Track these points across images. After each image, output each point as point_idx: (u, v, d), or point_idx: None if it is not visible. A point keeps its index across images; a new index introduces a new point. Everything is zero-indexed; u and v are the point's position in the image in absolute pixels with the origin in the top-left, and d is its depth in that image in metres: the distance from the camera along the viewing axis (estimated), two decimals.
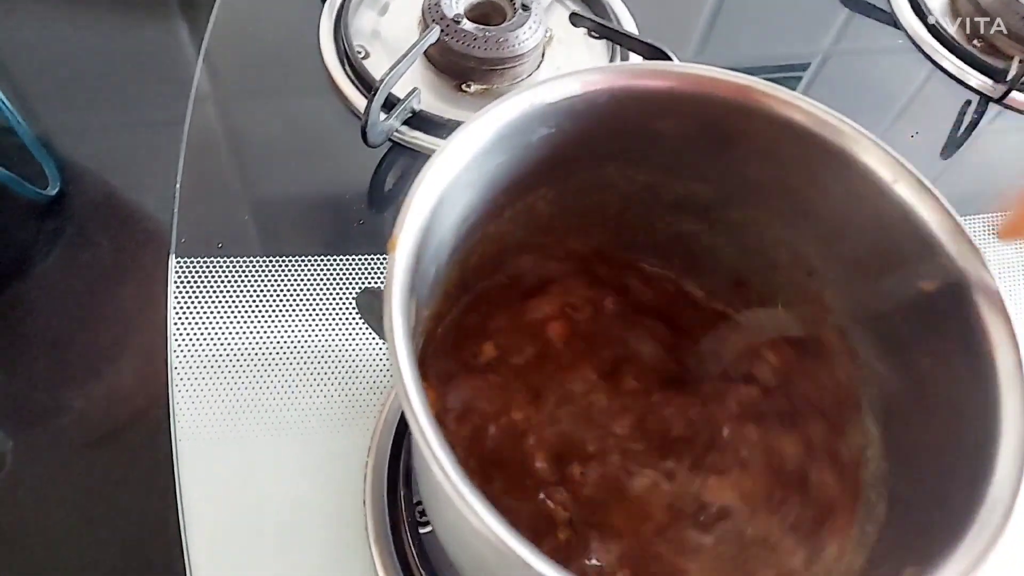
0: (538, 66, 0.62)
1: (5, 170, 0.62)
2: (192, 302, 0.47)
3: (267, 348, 0.47)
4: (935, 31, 0.69)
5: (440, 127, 0.55)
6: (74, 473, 0.57)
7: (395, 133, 0.55)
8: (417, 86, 0.56)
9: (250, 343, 0.47)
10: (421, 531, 0.40)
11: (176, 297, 0.48)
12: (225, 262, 0.49)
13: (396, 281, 0.25)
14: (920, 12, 0.71)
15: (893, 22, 0.72)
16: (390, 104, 0.55)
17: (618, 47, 0.61)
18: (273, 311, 0.47)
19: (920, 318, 0.30)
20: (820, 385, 0.35)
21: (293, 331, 0.47)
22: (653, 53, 0.55)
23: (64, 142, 0.71)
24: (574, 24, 0.59)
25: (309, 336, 0.47)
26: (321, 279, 0.49)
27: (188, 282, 0.48)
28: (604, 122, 0.32)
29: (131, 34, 0.80)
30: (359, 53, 0.59)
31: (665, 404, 0.39)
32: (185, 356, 0.46)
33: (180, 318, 0.47)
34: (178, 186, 0.52)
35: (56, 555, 0.49)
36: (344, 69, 0.59)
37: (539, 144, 0.32)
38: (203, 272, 0.49)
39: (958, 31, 0.71)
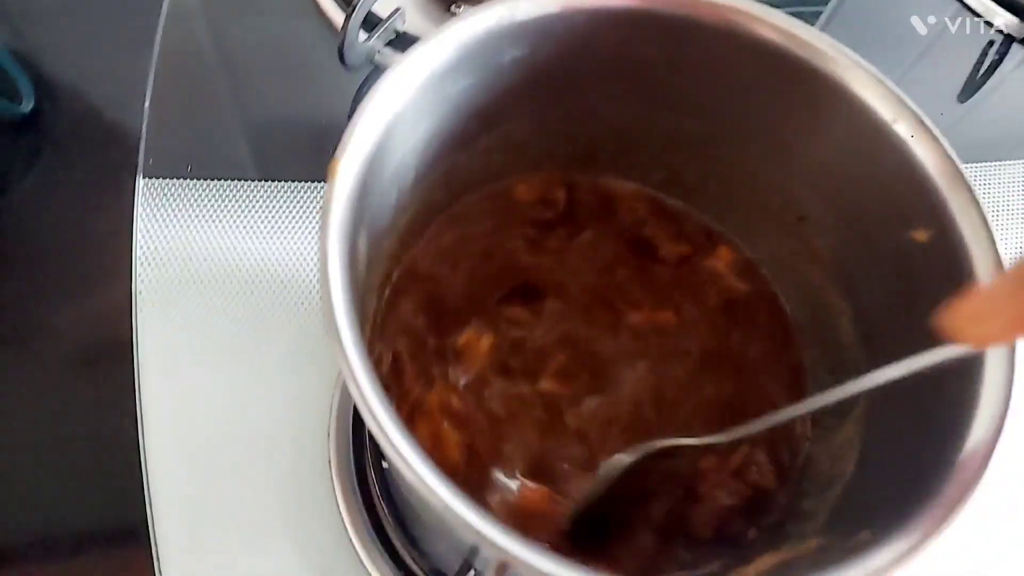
0: None
1: None
2: (159, 224, 0.46)
3: (236, 275, 0.45)
4: None
5: None
6: (47, 392, 0.57)
7: (377, 55, 0.52)
8: (401, 6, 0.53)
9: (218, 269, 0.45)
10: (384, 465, 0.39)
11: (143, 219, 0.46)
12: (194, 184, 0.47)
13: (335, 209, 0.23)
14: None
15: None
16: (373, 24, 0.51)
17: None
18: (243, 237, 0.46)
19: (910, 270, 0.28)
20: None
21: (263, 258, 0.45)
22: None
23: (41, 57, 0.68)
24: None
25: (279, 264, 0.45)
26: (293, 206, 0.47)
27: (156, 203, 0.46)
28: (584, 46, 0.30)
29: None
30: None
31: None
32: (151, 279, 0.44)
33: (147, 240, 0.45)
34: (147, 104, 0.49)
35: (22, 471, 0.49)
36: None
37: (512, 67, 0.30)
38: (171, 194, 0.47)
39: None
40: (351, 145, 0.24)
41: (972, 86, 0.63)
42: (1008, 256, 0.40)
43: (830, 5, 0.67)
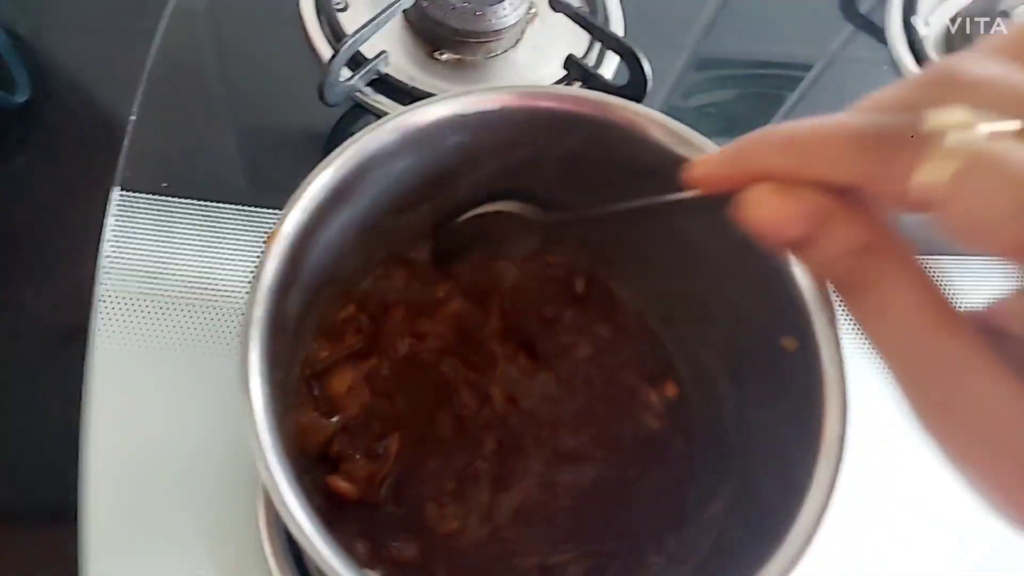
0: (516, 43, 0.61)
1: None
2: (130, 238, 0.48)
3: (195, 293, 0.48)
4: (920, 58, 0.69)
5: (404, 94, 0.56)
6: (13, 369, 0.59)
7: (357, 94, 0.55)
8: (387, 49, 0.56)
9: (179, 285, 0.48)
10: None
11: (114, 231, 0.49)
12: (167, 201, 0.50)
13: (267, 272, 0.26)
14: (912, 43, 0.70)
15: (886, 45, 0.71)
16: (358, 62, 0.55)
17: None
18: (206, 257, 0.48)
19: (780, 370, 0.31)
20: None
21: (223, 280, 0.48)
22: (622, 50, 0.55)
23: (40, 47, 0.71)
24: (553, 8, 0.59)
25: (237, 287, 0.48)
26: (259, 231, 0.50)
27: (129, 216, 0.49)
28: (520, 137, 0.33)
29: None
30: (338, 4, 0.59)
31: None
32: (112, 287, 0.47)
33: (114, 250, 0.48)
34: (132, 118, 0.52)
35: None
36: (319, 18, 0.59)
37: (454, 149, 0.33)
38: (144, 208, 0.49)
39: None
40: (286, 224, 0.27)
41: None
42: None
43: (808, 77, 0.72)
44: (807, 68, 0.72)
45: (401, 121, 0.30)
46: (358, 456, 0.36)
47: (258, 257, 0.46)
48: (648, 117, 0.31)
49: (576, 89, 0.32)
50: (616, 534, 0.35)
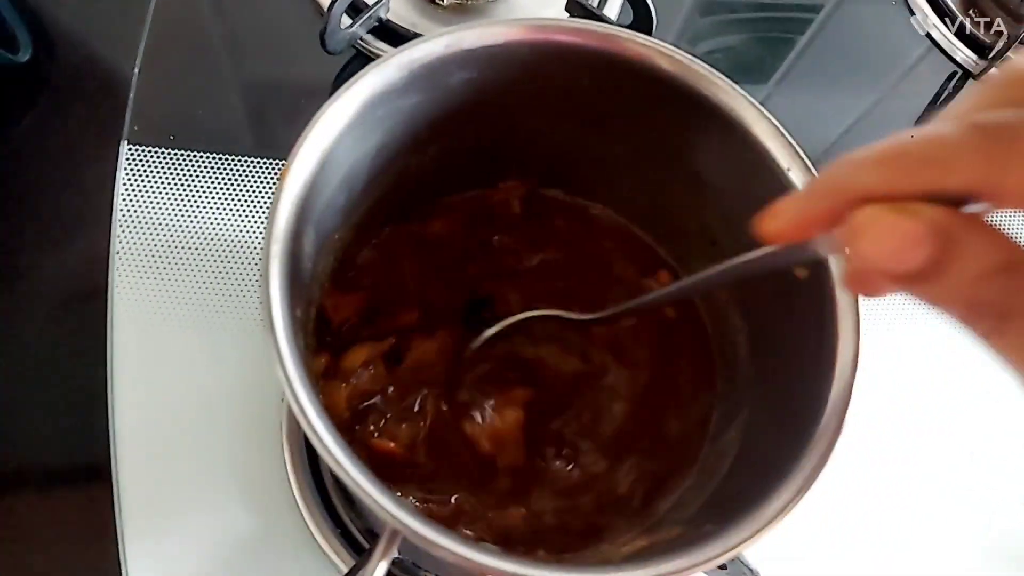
0: None
1: None
2: (141, 191, 0.49)
3: (209, 244, 0.48)
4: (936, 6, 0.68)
5: (405, 39, 0.55)
6: (24, 336, 0.59)
7: (359, 41, 0.55)
8: None
9: (193, 237, 0.48)
10: None
11: (125, 184, 0.49)
12: (176, 154, 0.50)
13: (283, 205, 0.26)
14: None
15: None
16: (358, 9, 0.54)
17: None
18: (217, 208, 0.49)
19: (790, 298, 0.31)
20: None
21: (235, 230, 0.49)
22: None
23: (41, 7, 0.70)
24: None
25: (250, 237, 0.48)
26: (267, 182, 0.50)
27: (139, 170, 0.49)
28: (525, 72, 0.33)
29: None
30: None
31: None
32: (129, 244, 0.48)
33: (126, 204, 0.48)
34: (136, 71, 0.52)
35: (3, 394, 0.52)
36: None
37: (460, 87, 0.33)
38: (153, 161, 0.50)
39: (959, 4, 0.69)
40: (300, 155, 0.27)
41: (928, 116, 0.66)
42: None
43: (820, 15, 0.71)
44: (816, 9, 0.71)
45: (406, 56, 0.30)
46: (389, 416, 0.36)
47: (271, 195, 0.46)
48: (656, 48, 0.31)
49: (582, 21, 0.32)
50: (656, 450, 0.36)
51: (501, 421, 0.36)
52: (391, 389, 0.36)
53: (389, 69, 0.29)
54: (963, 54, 0.66)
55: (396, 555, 0.24)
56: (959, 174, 0.18)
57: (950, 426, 0.51)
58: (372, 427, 0.35)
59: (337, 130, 0.28)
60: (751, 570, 0.39)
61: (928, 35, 0.67)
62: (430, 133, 0.35)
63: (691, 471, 0.35)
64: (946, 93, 0.66)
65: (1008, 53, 0.63)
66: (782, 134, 0.30)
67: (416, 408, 0.36)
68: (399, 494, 0.34)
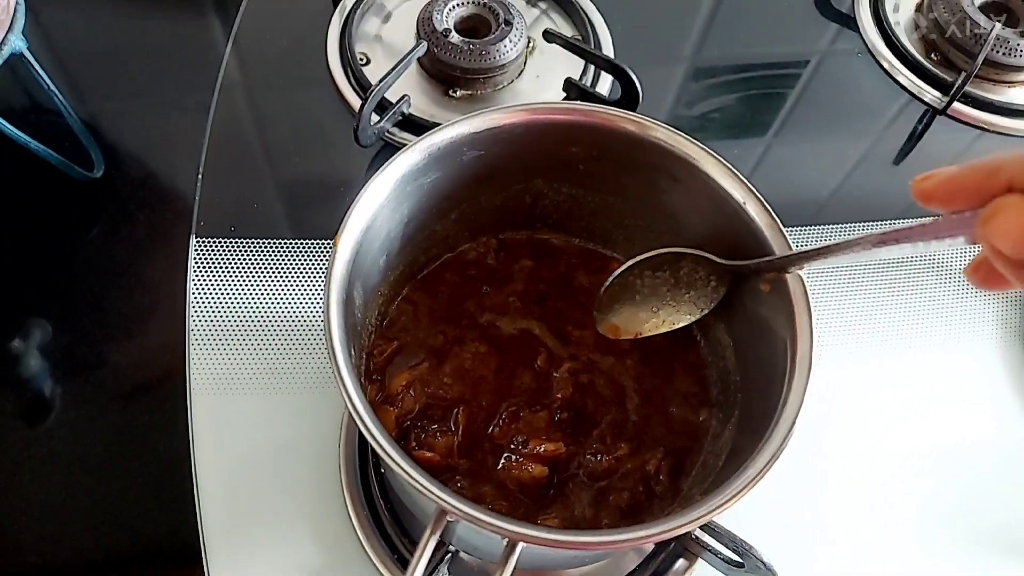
0: (520, 74, 0.69)
1: (57, 155, 0.70)
2: (208, 277, 0.57)
3: (267, 316, 0.56)
4: (893, 46, 0.75)
5: (426, 130, 0.63)
6: (110, 417, 0.66)
7: (387, 134, 0.63)
8: (407, 92, 0.64)
9: (254, 312, 0.56)
10: (382, 469, 0.49)
11: (195, 272, 0.57)
12: (237, 243, 0.58)
13: (337, 266, 0.33)
14: (883, 28, 0.76)
15: (859, 33, 0.77)
16: (384, 107, 0.63)
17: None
18: (273, 285, 0.57)
19: (759, 310, 0.37)
20: None
21: (293, 303, 0.56)
22: (613, 69, 0.62)
23: (108, 127, 0.80)
24: (547, 40, 0.67)
25: (306, 308, 0.56)
26: (317, 260, 0.57)
27: (205, 260, 0.57)
28: (525, 146, 0.40)
29: (167, 27, 0.87)
30: (360, 60, 0.68)
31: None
32: (200, 323, 0.55)
33: (197, 290, 0.56)
34: (200, 175, 0.61)
35: (89, 484, 0.58)
36: (346, 74, 0.67)
37: (471, 163, 0.40)
38: (218, 251, 0.58)
39: (917, 45, 0.76)
40: (348, 225, 0.34)
41: (903, 152, 0.72)
42: None
43: (805, 73, 0.78)
44: (803, 64, 0.78)
45: (426, 142, 0.37)
46: (432, 430, 0.42)
47: (320, 268, 0.53)
48: (630, 118, 0.38)
49: (567, 103, 0.39)
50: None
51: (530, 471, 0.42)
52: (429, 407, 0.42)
53: (414, 153, 0.37)
54: (930, 95, 0.73)
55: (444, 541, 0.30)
56: None
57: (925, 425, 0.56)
58: (414, 442, 0.41)
59: (376, 204, 0.36)
60: (765, 564, 0.43)
61: (897, 80, 0.74)
62: (450, 202, 0.42)
63: (696, 465, 0.40)
64: (919, 130, 0.73)
65: (966, 87, 0.69)
66: (735, 175, 0.37)
67: (451, 421, 0.42)
68: None
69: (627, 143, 0.38)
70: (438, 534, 0.29)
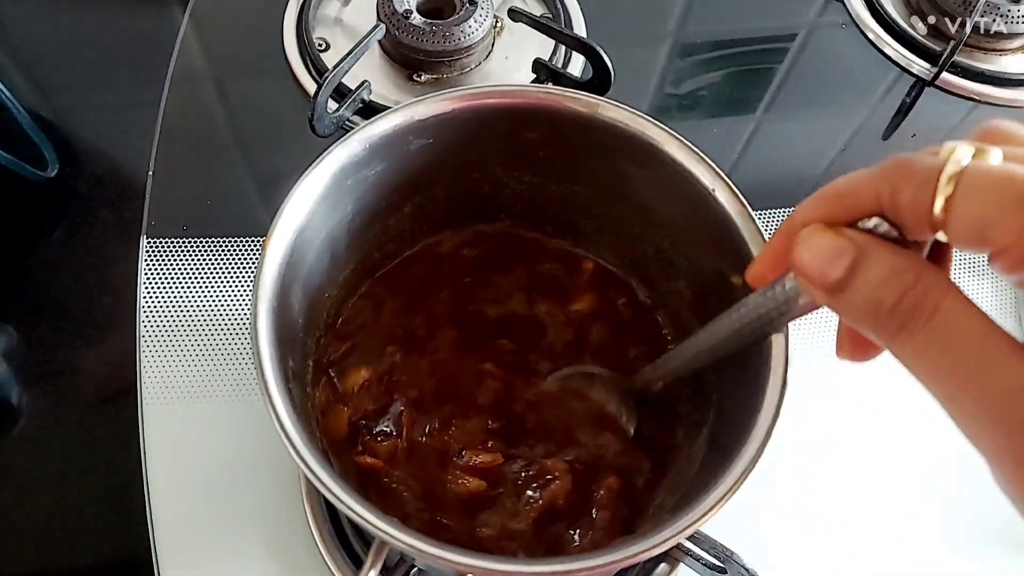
0: (487, 55, 0.66)
1: (6, 154, 0.67)
2: (160, 279, 0.54)
3: (223, 321, 0.53)
4: (879, 16, 0.72)
5: None
6: (67, 428, 0.63)
7: (347, 123, 0.60)
8: (368, 78, 0.61)
9: (209, 317, 0.53)
10: None
11: (146, 274, 0.54)
12: (190, 242, 0.55)
13: (267, 272, 0.31)
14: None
15: (844, 3, 0.74)
16: (343, 94, 0.59)
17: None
18: (229, 287, 0.54)
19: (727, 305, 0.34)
20: None
21: (246, 305, 0.53)
22: (582, 48, 0.59)
23: (62, 123, 0.77)
24: (512, 19, 0.63)
25: None
26: None
27: (157, 261, 0.54)
28: (477, 133, 0.37)
29: (126, 19, 0.84)
30: (319, 45, 0.64)
31: None
32: (153, 328, 0.52)
33: (149, 293, 0.53)
34: (150, 173, 0.58)
35: (44, 499, 0.56)
36: (304, 60, 0.64)
37: (419, 152, 0.37)
38: (171, 251, 0.55)
39: (903, 13, 0.73)
40: (277, 227, 0.31)
41: (893, 126, 0.69)
42: None
43: (792, 47, 0.75)
44: (790, 38, 0.75)
45: (366, 132, 0.34)
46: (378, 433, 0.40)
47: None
48: (584, 99, 0.35)
49: (516, 85, 0.36)
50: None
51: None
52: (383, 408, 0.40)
53: (352, 144, 0.34)
54: (918, 66, 0.70)
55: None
56: (868, 199, 0.23)
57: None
58: (360, 446, 0.38)
59: (312, 200, 0.33)
60: (747, 570, 0.40)
61: (884, 52, 0.71)
62: (401, 195, 0.39)
63: (670, 472, 0.37)
64: (907, 104, 0.70)
65: (955, 57, 0.66)
66: (702, 159, 0.34)
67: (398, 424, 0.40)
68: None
69: (582, 126, 0.35)
70: (379, 567, 0.27)
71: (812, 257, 0.23)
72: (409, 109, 0.35)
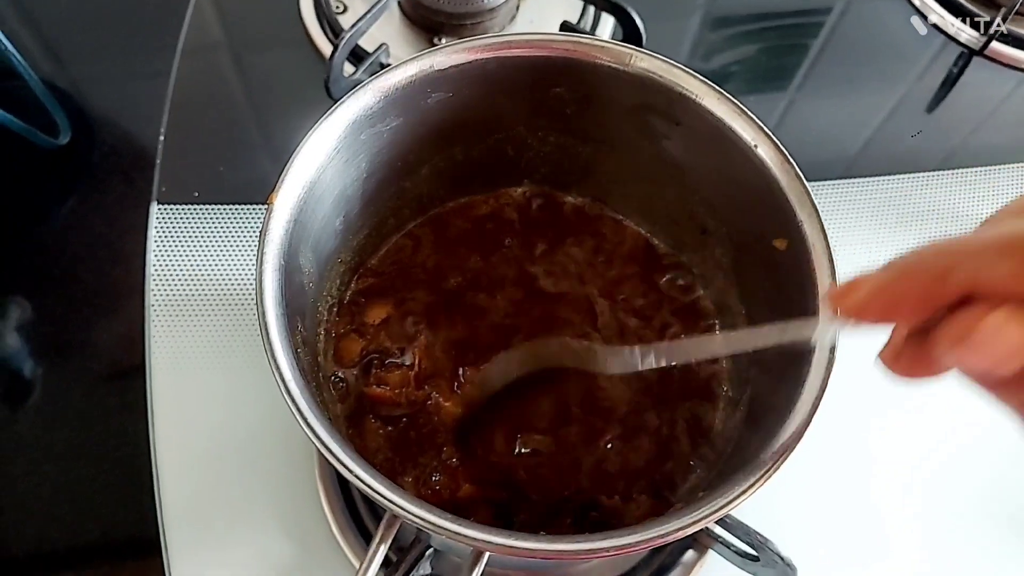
0: (512, 19, 0.63)
1: (20, 121, 0.66)
2: (170, 246, 0.52)
3: (235, 289, 0.51)
4: None
5: None
6: (78, 399, 0.62)
7: None
8: (387, 41, 0.58)
9: (220, 285, 0.51)
10: None
11: (156, 241, 0.52)
12: (201, 209, 0.53)
13: (273, 230, 0.28)
14: None
15: None
16: (361, 57, 0.57)
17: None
18: (240, 255, 0.52)
19: (776, 272, 0.32)
20: None
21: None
22: (612, 8, 0.56)
23: (75, 91, 0.75)
24: None
25: None
26: None
27: (167, 228, 0.53)
28: (500, 87, 0.35)
29: None
30: (336, 8, 0.62)
31: None
32: (162, 296, 0.51)
33: (159, 260, 0.52)
34: (161, 139, 0.56)
35: (54, 471, 0.55)
36: (320, 23, 0.62)
37: (438, 107, 0.35)
38: (181, 218, 0.53)
39: None
40: (286, 181, 0.29)
41: (937, 98, 0.66)
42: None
43: (828, 22, 0.71)
44: (825, 12, 0.71)
45: (381, 82, 0.32)
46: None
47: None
48: (618, 48, 0.32)
49: (550, 33, 0.34)
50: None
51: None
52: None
53: (366, 95, 0.32)
54: (966, 34, 0.66)
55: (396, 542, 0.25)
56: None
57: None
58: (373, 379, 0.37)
59: (323, 153, 0.31)
60: (782, 558, 0.38)
61: (931, 22, 0.67)
62: (419, 154, 0.37)
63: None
64: (955, 74, 0.66)
65: (1005, 25, 0.63)
66: (743, 112, 0.31)
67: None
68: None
69: (613, 79, 0.33)
70: (388, 542, 0.25)
71: (996, 355, 0.18)
72: (428, 58, 0.32)
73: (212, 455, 0.47)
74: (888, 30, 0.69)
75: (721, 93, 0.31)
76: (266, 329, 0.26)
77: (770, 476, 0.26)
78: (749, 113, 0.31)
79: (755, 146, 0.31)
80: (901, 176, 0.58)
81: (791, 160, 0.31)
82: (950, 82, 0.66)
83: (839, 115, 0.65)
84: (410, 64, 0.32)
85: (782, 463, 0.26)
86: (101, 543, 0.52)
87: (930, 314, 0.19)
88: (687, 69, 0.32)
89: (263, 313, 0.27)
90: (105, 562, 0.53)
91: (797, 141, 0.65)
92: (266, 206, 0.28)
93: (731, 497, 0.25)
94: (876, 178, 0.58)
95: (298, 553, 0.44)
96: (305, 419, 0.25)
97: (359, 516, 0.44)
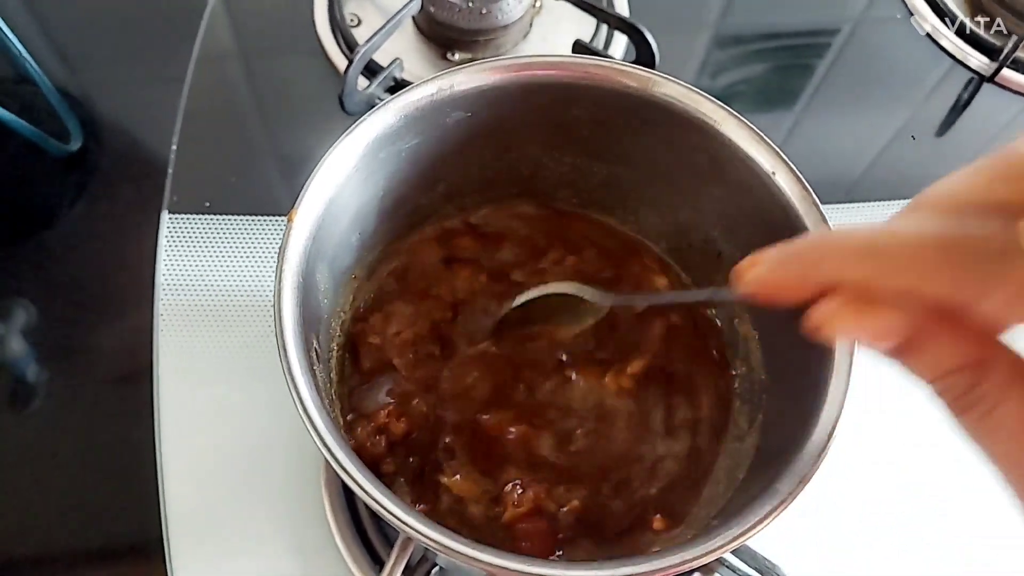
0: (525, 36, 0.63)
1: (31, 126, 0.66)
2: (180, 256, 0.52)
3: (244, 301, 0.51)
4: (936, 7, 0.68)
5: None
6: (84, 405, 0.62)
7: (377, 100, 0.57)
8: (401, 56, 0.59)
9: (230, 296, 0.51)
10: None
11: (166, 251, 0.52)
12: (212, 219, 0.53)
13: (293, 246, 0.28)
14: None
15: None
16: (375, 71, 0.57)
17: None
18: (251, 267, 0.52)
19: None
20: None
21: (272, 285, 0.51)
22: (626, 27, 0.56)
23: (87, 97, 0.76)
24: None
25: None
26: None
27: (178, 237, 0.53)
28: (519, 108, 0.35)
29: None
30: (351, 21, 0.62)
31: None
32: (171, 306, 0.51)
33: (168, 270, 0.52)
34: (174, 148, 0.56)
35: (60, 477, 0.55)
36: (335, 36, 0.62)
37: (456, 126, 0.35)
38: (192, 228, 0.53)
39: (962, 6, 0.69)
40: (306, 197, 0.29)
41: (948, 122, 0.66)
42: None
43: (835, 43, 0.72)
44: (832, 33, 0.71)
45: (401, 101, 0.32)
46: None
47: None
48: (636, 73, 0.32)
49: (572, 55, 0.34)
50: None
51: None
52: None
53: (386, 114, 0.32)
54: (976, 60, 0.67)
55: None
56: (933, 286, 0.18)
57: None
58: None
59: (343, 171, 0.31)
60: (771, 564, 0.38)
61: (940, 45, 0.68)
62: (435, 172, 0.37)
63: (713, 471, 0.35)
64: (965, 99, 0.66)
65: (1017, 53, 0.63)
66: (763, 139, 0.31)
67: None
68: None
69: (634, 103, 0.33)
70: (403, 564, 0.25)
71: (850, 335, 0.21)
72: (449, 77, 0.32)
73: (217, 466, 0.47)
74: (897, 52, 0.69)
75: (740, 120, 0.32)
76: (284, 347, 0.26)
77: (787, 505, 0.26)
78: (767, 140, 0.31)
79: (773, 173, 0.31)
80: (905, 201, 0.58)
81: (809, 188, 0.31)
82: (960, 107, 0.66)
83: (845, 136, 0.65)
84: (430, 84, 0.32)
85: (799, 491, 0.26)
86: (104, 551, 0.52)
87: (809, 298, 0.21)
88: (707, 96, 0.32)
89: (281, 331, 0.27)
90: (108, 570, 0.52)
91: (803, 160, 0.66)
92: (285, 223, 0.28)
93: (747, 526, 0.25)
94: (880, 202, 0.58)
95: (302, 566, 0.44)
96: (322, 438, 0.25)
97: (364, 531, 0.44)
